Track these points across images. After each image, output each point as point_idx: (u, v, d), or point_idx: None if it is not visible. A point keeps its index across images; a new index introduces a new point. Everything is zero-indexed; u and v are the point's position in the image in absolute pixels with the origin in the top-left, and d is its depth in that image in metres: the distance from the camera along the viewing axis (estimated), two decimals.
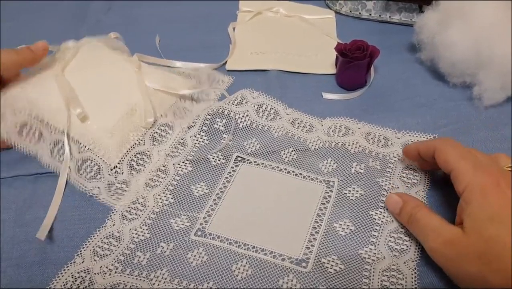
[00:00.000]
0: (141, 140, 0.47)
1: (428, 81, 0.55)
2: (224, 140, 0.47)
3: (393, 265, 0.37)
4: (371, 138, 0.47)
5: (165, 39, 0.61)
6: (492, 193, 0.33)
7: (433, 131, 0.48)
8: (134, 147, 0.46)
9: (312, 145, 0.47)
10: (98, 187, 0.43)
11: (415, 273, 0.37)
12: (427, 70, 0.57)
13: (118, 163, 0.45)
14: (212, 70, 0.57)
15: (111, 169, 0.44)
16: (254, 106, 0.50)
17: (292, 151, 0.46)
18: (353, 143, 0.46)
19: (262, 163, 0.45)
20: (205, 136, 0.48)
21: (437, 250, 0.35)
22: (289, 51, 0.60)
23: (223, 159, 0.46)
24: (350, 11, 0.67)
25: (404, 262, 0.37)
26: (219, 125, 0.48)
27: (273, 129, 0.48)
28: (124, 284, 0.36)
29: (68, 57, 0.50)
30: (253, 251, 0.38)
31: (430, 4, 0.56)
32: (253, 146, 0.47)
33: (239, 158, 0.46)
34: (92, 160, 0.45)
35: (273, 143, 0.47)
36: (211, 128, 0.48)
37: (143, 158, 0.46)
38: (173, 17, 0.68)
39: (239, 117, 0.48)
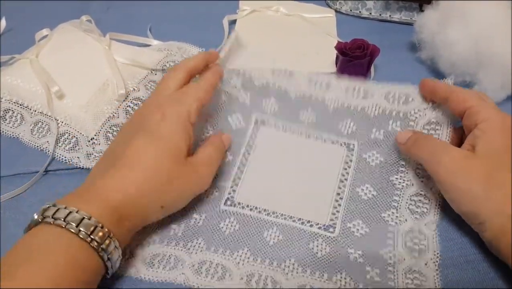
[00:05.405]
0: (115, 113, 0.49)
1: None
2: (241, 97, 0.47)
3: (414, 226, 0.39)
4: (391, 97, 0.45)
5: (164, 38, 0.61)
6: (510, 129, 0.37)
7: None
8: (109, 120, 0.49)
9: (331, 104, 0.46)
10: (78, 157, 0.46)
11: (436, 234, 0.39)
12: (427, 69, 0.57)
13: (95, 135, 0.47)
14: (183, 44, 0.60)
15: (88, 141, 0.47)
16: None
17: (311, 111, 0.46)
18: (372, 106, 0.46)
19: (283, 126, 0.46)
20: (224, 95, 0.46)
21: (445, 164, 0.37)
22: (289, 50, 0.60)
23: (243, 122, 0.46)
24: (350, 10, 0.67)
25: (425, 224, 0.40)
26: (236, 82, 0.47)
27: (290, 91, 0.47)
28: (163, 254, 0.37)
29: (42, 43, 0.53)
30: (282, 219, 0.40)
31: (430, 3, 0.56)
32: (272, 106, 0.47)
33: (258, 121, 0.46)
34: (69, 134, 0.48)
35: (291, 104, 0.46)
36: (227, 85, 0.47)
37: (118, 130, 0.49)
38: (172, 16, 0.68)
39: (254, 76, 0.47)
